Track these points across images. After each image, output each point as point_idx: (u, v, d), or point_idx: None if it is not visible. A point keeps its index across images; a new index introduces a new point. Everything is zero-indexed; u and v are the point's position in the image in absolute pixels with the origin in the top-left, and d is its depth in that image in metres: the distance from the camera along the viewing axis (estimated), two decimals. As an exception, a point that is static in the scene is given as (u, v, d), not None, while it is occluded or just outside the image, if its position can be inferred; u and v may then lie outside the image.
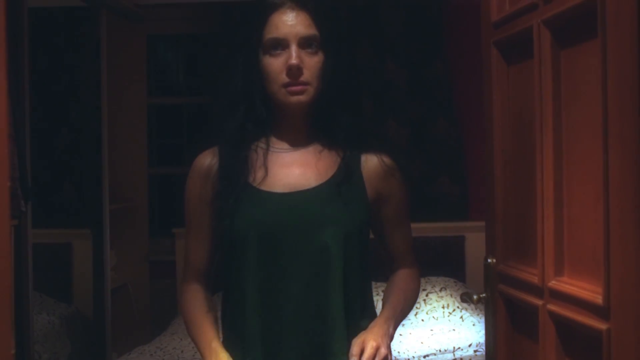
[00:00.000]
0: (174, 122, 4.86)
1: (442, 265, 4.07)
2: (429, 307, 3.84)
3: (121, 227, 4.16)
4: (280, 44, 1.52)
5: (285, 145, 1.59)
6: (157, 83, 4.86)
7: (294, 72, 1.50)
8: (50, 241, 4.20)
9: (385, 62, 4.27)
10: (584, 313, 1.25)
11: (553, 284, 1.36)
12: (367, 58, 4.22)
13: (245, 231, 1.52)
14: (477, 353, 3.27)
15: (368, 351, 1.43)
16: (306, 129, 1.59)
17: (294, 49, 1.51)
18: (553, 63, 1.36)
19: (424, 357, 3.34)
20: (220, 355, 1.49)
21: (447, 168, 4.25)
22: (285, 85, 1.52)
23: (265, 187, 1.55)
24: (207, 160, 1.62)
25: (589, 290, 1.24)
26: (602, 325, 1.19)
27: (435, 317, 3.80)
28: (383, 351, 1.44)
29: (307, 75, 1.52)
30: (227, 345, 1.53)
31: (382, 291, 1.73)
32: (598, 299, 1.20)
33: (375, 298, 1.68)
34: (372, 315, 1.59)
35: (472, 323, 3.71)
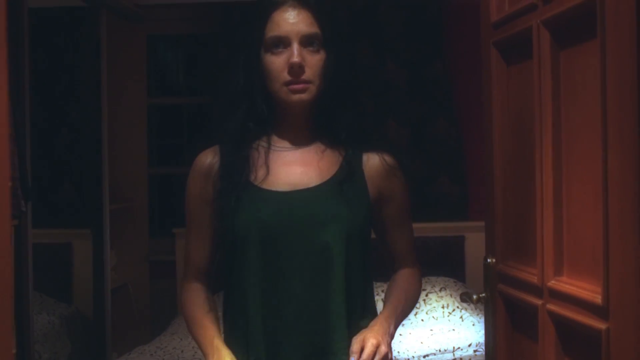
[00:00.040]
0: (174, 122, 4.86)
1: (441, 265, 4.07)
2: (428, 307, 3.84)
3: (121, 227, 4.16)
4: (282, 42, 1.51)
5: (286, 144, 1.59)
6: (157, 83, 4.86)
7: (296, 70, 1.50)
8: (50, 241, 4.20)
9: (385, 62, 4.27)
10: (583, 313, 1.25)
11: (552, 283, 1.36)
12: (367, 58, 4.22)
13: (246, 230, 1.51)
14: (477, 353, 3.26)
15: (368, 349, 1.42)
16: (308, 128, 1.59)
17: (295, 47, 1.50)
18: (552, 63, 1.36)
19: (424, 357, 3.34)
20: (222, 353, 1.48)
21: (447, 168, 4.25)
22: (287, 84, 1.51)
23: (266, 186, 1.54)
24: (208, 158, 1.61)
25: (589, 290, 1.24)
26: (601, 325, 1.19)
27: (435, 317, 3.80)
28: (383, 349, 1.43)
29: (309, 73, 1.51)
30: (229, 344, 1.53)
31: (383, 291, 1.73)
32: (597, 298, 1.20)
33: (375, 298, 1.68)
34: (373, 315, 1.59)
35: (472, 323, 3.71)
